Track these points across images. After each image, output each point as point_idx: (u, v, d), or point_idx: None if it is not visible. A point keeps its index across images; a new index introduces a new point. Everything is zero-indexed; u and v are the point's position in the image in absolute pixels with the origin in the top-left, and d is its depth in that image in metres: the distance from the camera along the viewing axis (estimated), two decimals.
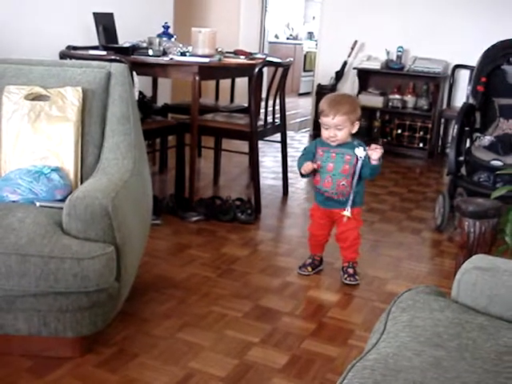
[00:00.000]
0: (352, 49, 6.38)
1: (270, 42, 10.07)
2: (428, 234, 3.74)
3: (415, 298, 1.62)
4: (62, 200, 2.32)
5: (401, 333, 1.44)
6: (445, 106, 6.13)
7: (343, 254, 2.99)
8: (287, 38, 11.54)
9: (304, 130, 7.32)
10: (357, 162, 2.75)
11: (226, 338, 2.36)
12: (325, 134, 2.77)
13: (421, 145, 6.14)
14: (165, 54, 3.87)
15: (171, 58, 3.70)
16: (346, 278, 2.93)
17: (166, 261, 3.08)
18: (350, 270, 2.96)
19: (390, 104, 6.20)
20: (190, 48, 3.96)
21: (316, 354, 2.29)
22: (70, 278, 1.91)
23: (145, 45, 3.99)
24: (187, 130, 3.85)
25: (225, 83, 5.19)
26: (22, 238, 1.95)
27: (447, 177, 3.82)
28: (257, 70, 3.67)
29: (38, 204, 2.27)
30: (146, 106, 3.80)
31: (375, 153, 2.69)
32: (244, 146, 5.10)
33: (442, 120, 6.14)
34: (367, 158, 2.72)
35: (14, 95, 2.49)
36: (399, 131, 6.21)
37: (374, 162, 2.72)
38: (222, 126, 3.92)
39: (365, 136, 6.29)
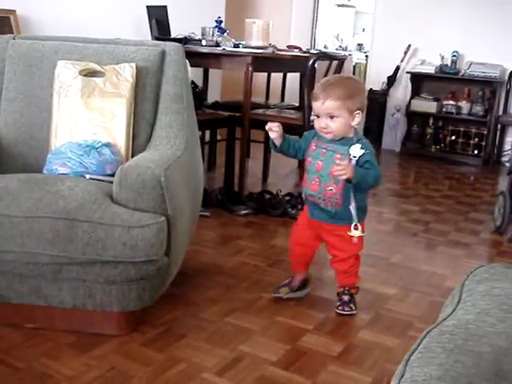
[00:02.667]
0: (405, 53, 6.24)
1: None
2: (487, 235, 3.57)
3: (490, 271, 1.49)
4: (112, 175, 2.26)
5: (479, 301, 1.31)
6: (501, 113, 5.92)
7: (337, 278, 2.43)
8: (336, 49, 11.44)
9: None
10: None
11: (277, 324, 2.25)
12: (316, 123, 2.20)
13: (475, 152, 5.94)
14: (217, 46, 3.82)
15: (224, 49, 3.64)
16: (337, 307, 2.36)
17: (215, 250, 2.99)
18: (345, 298, 2.38)
19: (444, 110, 6.03)
20: (242, 42, 3.91)
21: (373, 343, 2.16)
22: (119, 246, 1.83)
23: (197, 37, 3.95)
24: (238, 124, 3.78)
25: (275, 82, 5.12)
26: (71, 203, 1.89)
27: (508, 176, 3.64)
28: (311, 62, 3.57)
29: (87, 177, 2.22)
30: (197, 96, 3.73)
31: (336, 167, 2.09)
32: None
33: (498, 126, 5.93)
34: (368, 159, 2.13)
35: (69, 70, 2.45)
36: (453, 138, 6.03)
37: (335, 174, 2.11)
38: (273, 119, 3.83)
39: (417, 143, 6.15)
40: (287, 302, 2.43)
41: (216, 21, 4.27)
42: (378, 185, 2.25)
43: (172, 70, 2.53)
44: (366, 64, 9.52)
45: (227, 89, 5.79)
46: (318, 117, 2.17)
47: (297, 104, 4.74)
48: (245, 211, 3.56)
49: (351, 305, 2.37)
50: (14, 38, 2.65)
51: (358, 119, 2.17)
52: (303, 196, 2.38)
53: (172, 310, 2.29)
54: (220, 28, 4.20)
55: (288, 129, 3.83)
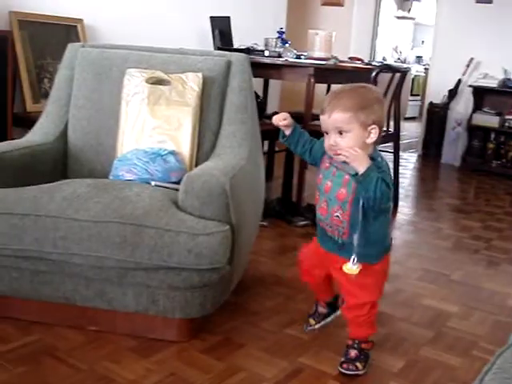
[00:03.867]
0: (467, 66, 6.13)
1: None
2: None
3: None
4: (177, 182, 2.29)
5: None
6: None
7: (348, 326, 2.04)
8: (394, 61, 11.34)
9: (411, 151, 7.09)
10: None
11: (337, 338, 2.22)
12: (325, 142, 1.85)
13: None
14: (279, 56, 3.83)
15: (286, 60, 3.65)
16: (341, 364, 1.98)
17: (274, 260, 2.99)
18: (352, 353, 1.99)
19: (506, 124, 5.88)
20: (304, 53, 3.92)
21: (435, 361, 2.12)
22: (184, 252, 1.85)
23: (259, 48, 3.97)
24: None
25: None
26: (138, 209, 1.92)
27: None
28: (374, 74, 3.55)
29: (153, 183, 2.25)
30: (258, 107, 3.74)
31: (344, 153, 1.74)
32: None
33: None
34: (367, 176, 1.71)
35: (136, 78, 2.49)
36: None
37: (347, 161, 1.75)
38: None
39: (478, 157, 6.02)
40: None
41: (278, 32, 4.28)
42: (385, 204, 1.79)
43: (237, 80, 2.55)
44: (426, 76, 9.42)
45: (286, 99, 5.81)
46: (327, 133, 1.83)
47: None
48: (303, 222, 3.54)
49: (358, 363, 1.97)
50: (83, 46, 2.72)
51: (375, 135, 1.78)
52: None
53: (231, 318, 2.29)
54: (282, 39, 4.22)
55: None
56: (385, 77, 3.82)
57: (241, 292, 2.47)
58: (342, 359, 1.99)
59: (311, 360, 2.05)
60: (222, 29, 4.15)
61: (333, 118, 1.78)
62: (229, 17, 4.22)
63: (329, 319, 2.23)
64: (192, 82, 2.47)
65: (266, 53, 3.68)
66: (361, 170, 1.70)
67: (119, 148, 2.47)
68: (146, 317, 2.04)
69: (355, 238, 1.84)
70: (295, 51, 3.95)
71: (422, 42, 11.58)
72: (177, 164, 2.35)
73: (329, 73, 3.67)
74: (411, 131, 8.74)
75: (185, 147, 2.43)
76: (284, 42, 4.16)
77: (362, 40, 7.67)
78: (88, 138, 2.56)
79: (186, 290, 1.95)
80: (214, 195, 1.92)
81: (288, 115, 1.96)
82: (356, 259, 1.84)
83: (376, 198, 1.71)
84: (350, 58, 4.17)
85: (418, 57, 11.54)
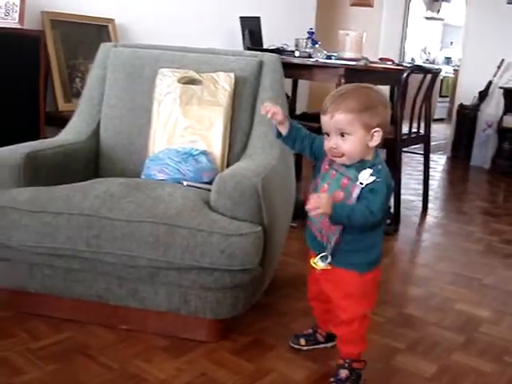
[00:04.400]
0: (498, 68, 6.05)
1: None
2: None
3: None
4: (208, 182, 2.29)
5: None
6: None
7: (338, 345, 1.96)
8: (423, 62, 11.24)
9: (440, 153, 7.02)
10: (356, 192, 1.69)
11: (370, 342, 2.18)
12: (325, 144, 1.74)
13: None
14: (309, 57, 3.82)
15: (316, 60, 3.63)
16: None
17: (303, 261, 2.94)
18: (342, 373, 1.88)
19: None
20: (334, 53, 3.90)
21: (467, 366, 2.09)
22: (217, 253, 1.84)
23: (289, 48, 3.96)
24: None
25: None
26: (170, 209, 1.92)
27: None
28: (405, 75, 3.51)
29: (185, 183, 2.25)
30: (288, 107, 3.74)
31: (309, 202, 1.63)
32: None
33: None
34: (374, 187, 1.66)
35: (168, 78, 2.50)
36: None
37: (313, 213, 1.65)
38: None
39: (509, 160, 5.93)
40: (378, 319, 2.38)
41: (308, 32, 4.27)
42: (375, 221, 1.68)
43: (269, 80, 2.55)
44: (454, 78, 9.33)
45: (314, 100, 5.78)
46: (328, 134, 1.72)
47: None
48: None
49: None
50: (115, 46, 2.73)
51: (378, 139, 1.69)
52: (307, 221, 1.87)
53: (262, 319, 2.28)
54: (312, 39, 4.20)
55: (383, 144, 3.81)
56: (415, 78, 3.78)
57: (271, 293, 2.46)
58: (331, 379, 1.88)
59: None
60: (251, 29, 4.15)
61: (335, 120, 1.67)
62: (259, 17, 4.22)
63: (319, 346, 2.11)
64: (224, 82, 2.46)
65: (297, 53, 3.67)
66: (331, 213, 1.63)
67: (151, 147, 2.48)
68: (177, 316, 2.04)
69: (333, 235, 1.74)
70: (325, 52, 3.93)
71: (451, 42, 11.47)
72: (208, 164, 2.35)
73: (359, 73, 3.64)
74: (440, 133, 8.66)
75: (216, 147, 2.43)
76: (314, 42, 4.15)
77: (391, 41, 7.61)
78: (120, 138, 2.57)
79: (218, 291, 1.95)
80: (246, 196, 1.92)
81: (279, 109, 1.81)
82: (329, 258, 1.76)
83: (358, 224, 1.67)
84: (380, 59, 4.14)
85: (446, 58, 11.43)
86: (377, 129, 1.68)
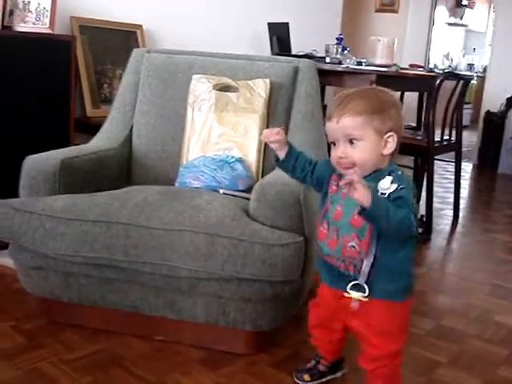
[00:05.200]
0: None
1: None
2: None
3: None
4: (244, 190, 2.25)
5: None
6: None
7: (367, 380, 1.72)
8: (445, 69, 11.14)
9: (464, 160, 6.91)
10: None
11: (409, 354, 2.13)
12: (332, 155, 1.55)
13: None
14: (339, 63, 3.77)
15: (347, 67, 3.58)
16: None
17: None
18: None
19: None
20: (363, 60, 3.85)
21: None
22: (258, 264, 1.79)
23: (318, 54, 3.92)
24: None
25: None
26: (210, 218, 1.87)
27: None
28: (438, 81, 3.45)
29: (221, 191, 2.20)
30: None
31: (351, 189, 1.36)
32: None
33: None
34: (400, 195, 1.44)
35: (202, 84, 2.46)
36: None
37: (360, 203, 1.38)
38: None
39: None
40: (417, 332, 2.31)
41: (337, 38, 4.22)
42: (408, 233, 1.47)
43: (304, 87, 2.50)
44: (478, 84, 9.23)
45: None
46: (334, 144, 1.53)
47: (413, 124, 4.63)
48: None
49: None
50: (148, 52, 2.70)
51: (393, 145, 1.49)
52: (319, 253, 1.67)
53: (298, 331, 2.22)
54: (341, 45, 4.15)
55: (411, 150, 3.76)
56: (445, 84, 3.72)
57: (305, 304, 2.40)
58: None
59: None
60: (279, 35, 4.11)
61: (342, 124, 1.47)
62: (287, 23, 4.17)
63: (327, 379, 1.91)
64: (260, 89, 2.42)
65: (327, 59, 3.63)
66: (365, 203, 1.36)
67: (184, 155, 2.44)
68: (215, 328, 1.99)
69: (365, 265, 1.51)
70: (354, 58, 3.88)
71: (474, 49, 11.38)
72: (244, 172, 2.30)
73: (391, 80, 3.59)
74: (464, 140, 8.54)
75: (251, 155, 2.38)
76: (343, 48, 4.10)
77: (415, 47, 7.55)
78: (153, 144, 2.53)
79: (258, 302, 1.90)
80: (287, 205, 1.87)
81: (281, 130, 1.62)
82: (366, 289, 1.53)
83: (394, 226, 1.40)
84: (410, 65, 4.08)
85: (469, 64, 11.32)
86: (390, 133, 1.48)
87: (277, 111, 2.45)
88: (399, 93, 4.86)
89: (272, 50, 4.10)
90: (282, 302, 1.94)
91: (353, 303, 1.55)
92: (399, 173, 1.50)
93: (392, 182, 1.45)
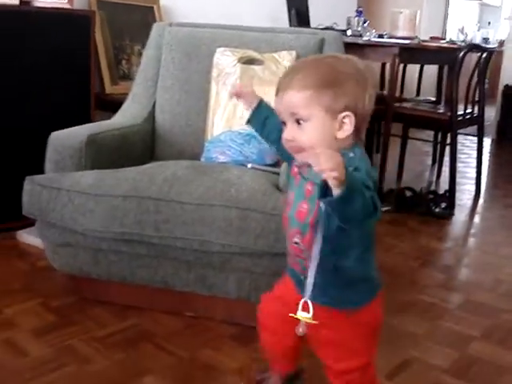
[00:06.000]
0: None
1: None
2: None
3: None
4: (272, 165, 2.22)
5: None
6: None
7: None
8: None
9: None
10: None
11: (441, 329, 2.13)
12: (282, 137, 1.25)
13: None
14: (360, 36, 3.70)
15: (369, 39, 3.52)
16: None
17: (381, 249, 2.87)
18: None
19: None
20: (384, 33, 3.78)
21: None
22: None
23: (338, 27, 3.85)
24: (378, 117, 3.65)
25: (407, 77, 4.94)
26: (242, 192, 1.84)
27: None
28: (462, 53, 3.38)
29: (249, 166, 2.17)
30: None
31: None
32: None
33: None
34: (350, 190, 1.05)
35: (227, 58, 2.42)
36: None
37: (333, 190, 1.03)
38: (417, 113, 3.68)
39: None
40: (446, 306, 2.29)
41: (356, 11, 4.15)
42: (369, 218, 1.14)
43: None
44: (496, 58, 9.09)
45: None
46: (284, 123, 1.24)
47: (433, 98, 4.56)
48: (386, 208, 3.43)
49: None
50: (170, 25, 2.65)
51: (349, 127, 1.19)
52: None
53: None
54: (362, 18, 4.08)
55: (432, 124, 3.71)
56: (469, 57, 3.65)
57: None
58: None
59: (419, 352, 1.95)
60: (298, 8, 4.03)
61: (286, 100, 1.20)
62: None
63: None
64: (285, 61, 2.37)
65: (349, 32, 3.56)
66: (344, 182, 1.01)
67: (209, 129, 2.41)
68: (247, 304, 1.95)
69: (311, 271, 1.23)
70: (374, 31, 3.81)
71: (489, 23, 11.19)
72: None
73: (414, 52, 3.53)
74: None
75: None
76: (363, 21, 4.03)
77: (432, 21, 7.43)
78: (177, 120, 2.50)
79: None
80: None
81: (247, 87, 1.44)
82: (310, 307, 1.23)
83: (357, 209, 1.07)
84: (431, 38, 4.00)
85: (484, 38, 11.15)
86: (346, 113, 1.18)
87: None
88: (419, 66, 4.81)
89: (290, 23, 4.02)
90: None
91: (299, 328, 1.24)
92: (351, 154, 1.18)
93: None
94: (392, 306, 2.25)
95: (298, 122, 1.20)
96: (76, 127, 2.21)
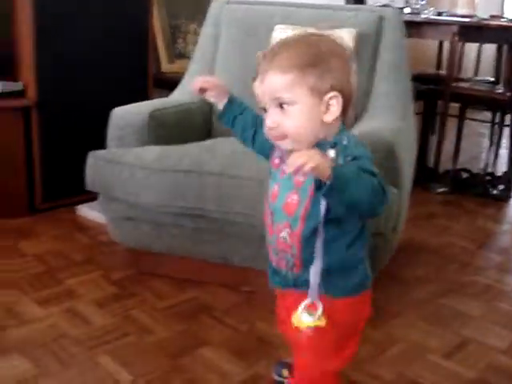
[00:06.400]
0: None
1: None
2: None
3: None
4: None
5: None
6: None
7: None
8: None
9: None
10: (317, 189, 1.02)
11: (498, 310, 2.11)
12: (265, 125, 1.16)
13: None
14: (418, 14, 3.64)
15: (427, 17, 3.46)
16: None
17: (417, 228, 2.86)
18: None
19: None
20: (443, 10, 3.71)
21: None
22: None
23: (396, 5, 3.79)
24: (435, 97, 3.61)
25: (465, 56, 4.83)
26: None
27: None
28: None
29: None
30: None
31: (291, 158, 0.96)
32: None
33: None
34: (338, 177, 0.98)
35: (285, 35, 2.41)
36: None
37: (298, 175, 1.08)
38: (475, 93, 3.60)
39: None
40: (505, 288, 2.27)
41: None
42: (379, 210, 1.08)
43: (390, 36, 2.42)
44: None
45: (412, 59, 5.56)
46: (266, 111, 1.15)
47: (491, 78, 4.46)
48: (441, 189, 3.39)
49: None
50: (227, 3, 2.66)
51: (337, 109, 1.11)
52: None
53: (382, 286, 2.20)
54: None
55: (490, 105, 3.64)
56: None
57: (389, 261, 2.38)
58: None
59: (475, 332, 1.94)
60: None
61: (267, 84, 1.11)
62: None
63: None
64: (346, 39, 2.35)
65: (407, 10, 3.50)
66: (330, 175, 0.96)
67: None
68: None
69: (313, 272, 1.17)
70: (433, 8, 3.75)
71: None
72: None
73: (474, 31, 3.44)
74: None
75: None
76: None
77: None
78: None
79: None
80: (382, 157, 1.82)
81: (211, 79, 1.39)
82: (319, 308, 1.17)
83: (359, 200, 1.02)
84: (491, 16, 3.90)
85: None
86: (332, 93, 1.10)
87: (362, 62, 2.37)
88: (475, 45, 4.70)
89: (347, 0, 3.99)
90: (373, 256, 1.91)
91: (303, 332, 1.19)
92: (344, 142, 1.11)
93: (337, 156, 1.08)
94: (447, 287, 2.25)
95: (281, 106, 1.11)
96: (136, 104, 2.26)
